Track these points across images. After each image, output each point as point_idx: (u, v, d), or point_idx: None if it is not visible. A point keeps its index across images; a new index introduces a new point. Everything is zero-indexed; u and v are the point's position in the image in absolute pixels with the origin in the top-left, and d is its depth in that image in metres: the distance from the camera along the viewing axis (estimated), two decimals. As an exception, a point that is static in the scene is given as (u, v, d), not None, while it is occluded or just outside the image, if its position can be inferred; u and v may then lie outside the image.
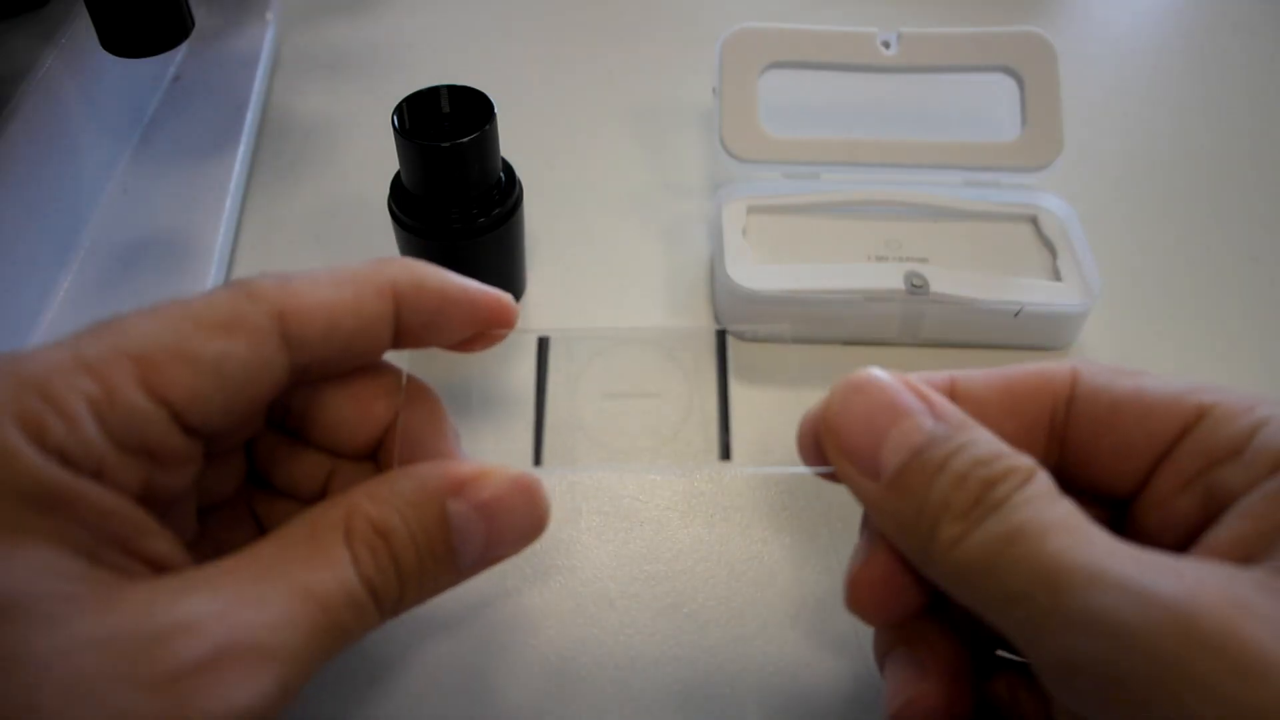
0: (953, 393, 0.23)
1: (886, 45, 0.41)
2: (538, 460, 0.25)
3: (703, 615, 0.30)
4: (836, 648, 0.30)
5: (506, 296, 0.25)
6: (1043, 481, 0.20)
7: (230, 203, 0.42)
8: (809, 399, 0.36)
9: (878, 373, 0.22)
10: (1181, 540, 0.21)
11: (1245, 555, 0.18)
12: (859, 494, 0.22)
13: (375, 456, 0.25)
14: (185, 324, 0.20)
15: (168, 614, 0.18)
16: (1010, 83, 0.41)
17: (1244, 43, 0.57)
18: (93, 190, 0.42)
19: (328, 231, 0.43)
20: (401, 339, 0.24)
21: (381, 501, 0.21)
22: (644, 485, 0.34)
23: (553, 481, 0.25)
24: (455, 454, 0.25)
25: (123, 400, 0.19)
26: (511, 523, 0.23)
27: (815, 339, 0.38)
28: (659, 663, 0.29)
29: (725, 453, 0.25)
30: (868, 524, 0.23)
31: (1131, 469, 0.22)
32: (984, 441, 0.20)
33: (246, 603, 0.19)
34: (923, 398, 0.22)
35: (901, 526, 0.21)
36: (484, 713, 0.28)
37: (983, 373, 0.24)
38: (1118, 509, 0.23)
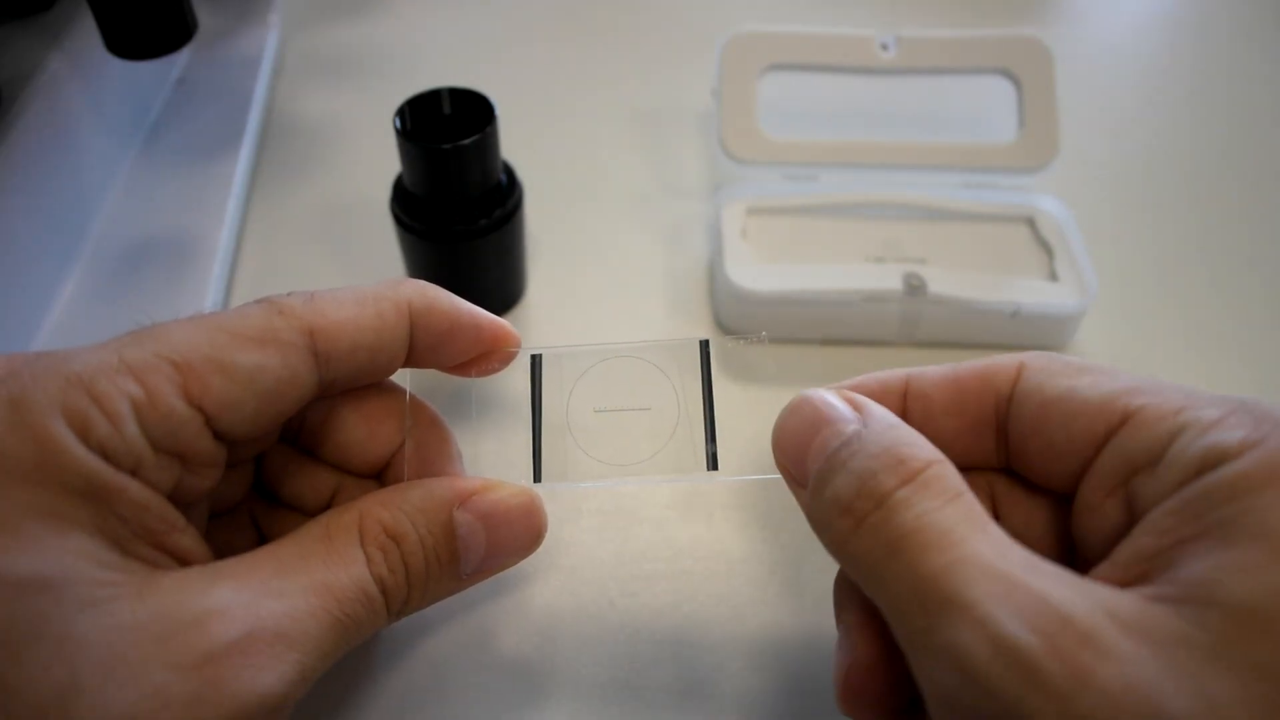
0: (906, 392, 0.24)
1: (885, 48, 0.41)
2: (537, 476, 0.26)
3: (702, 615, 0.30)
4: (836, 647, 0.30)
5: (509, 325, 0.26)
6: (939, 476, 0.19)
7: (233, 204, 0.42)
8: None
9: (813, 391, 0.23)
10: (1109, 549, 0.19)
11: (1140, 574, 0.18)
12: (800, 504, 0.22)
13: (380, 475, 0.27)
14: (222, 335, 0.21)
15: (198, 601, 0.19)
16: (1007, 85, 0.42)
17: (1240, 44, 0.57)
18: (97, 191, 0.42)
19: (330, 233, 0.43)
20: (410, 359, 0.25)
21: (394, 507, 0.23)
22: (644, 485, 0.34)
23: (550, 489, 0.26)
24: (459, 473, 0.26)
25: (162, 403, 0.20)
26: (511, 534, 0.25)
27: (814, 339, 0.38)
28: (659, 662, 0.29)
29: (713, 463, 0.26)
30: (842, 612, 0.23)
31: (1061, 471, 0.22)
32: (877, 437, 0.20)
33: (270, 595, 0.20)
34: (856, 405, 0.22)
35: (818, 531, 0.21)
36: (484, 712, 0.28)
37: (936, 369, 0.24)
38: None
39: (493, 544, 0.24)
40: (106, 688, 0.17)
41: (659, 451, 0.27)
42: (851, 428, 0.21)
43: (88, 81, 0.42)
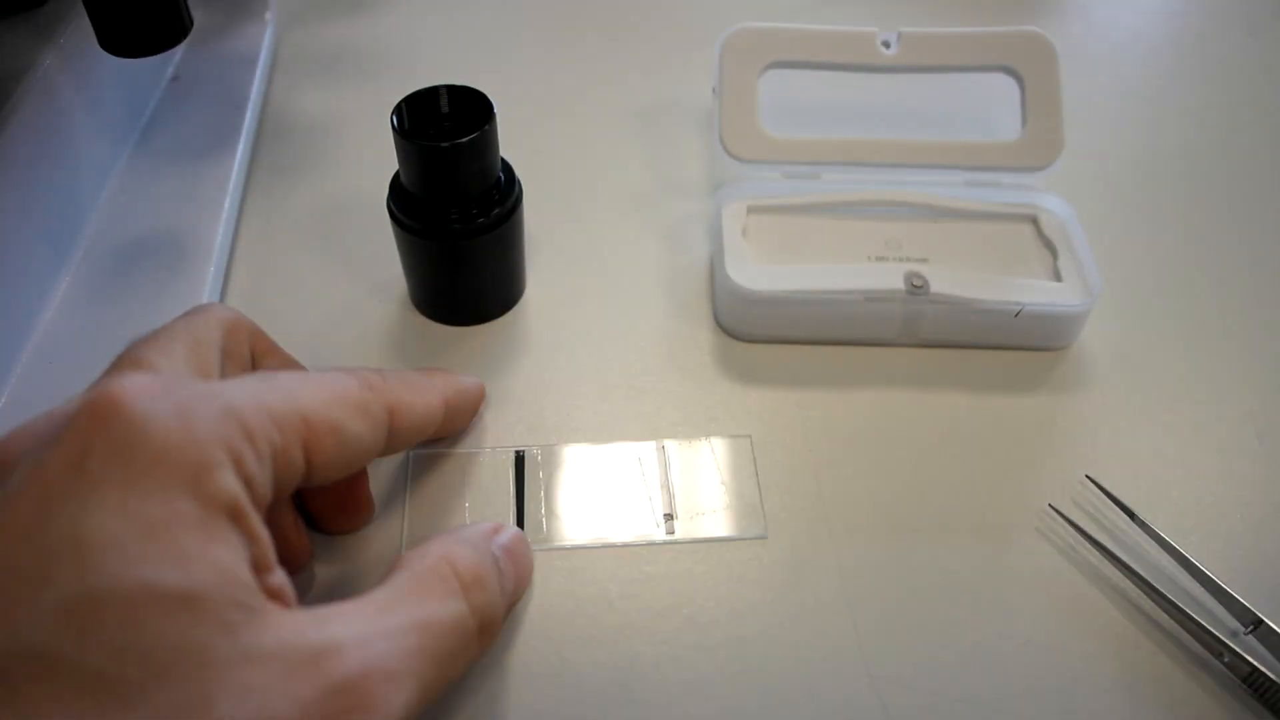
0: None
1: (886, 45, 0.41)
2: None
3: (703, 617, 0.30)
4: (837, 649, 0.29)
5: (483, 385, 0.34)
6: None
7: (229, 203, 0.42)
8: (809, 399, 0.36)
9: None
10: None
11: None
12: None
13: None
14: (335, 401, 0.24)
15: (318, 636, 0.20)
16: (1011, 83, 0.41)
17: (1244, 42, 0.56)
18: (91, 190, 0.42)
19: (326, 232, 0.43)
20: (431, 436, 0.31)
21: (470, 547, 0.26)
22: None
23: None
24: None
25: (291, 455, 0.23)
26: (523, 564, 0.29)
27: (814, 339, 0.38)
28: (659, 664, 0.29)
29: (670, 529, 0.32)
30: None
31: None
32: None
33: (378, 634, 0.21)
34: None
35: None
36: (484, 713, 0.28)
37: None
38: None
39: (517, 572, 0.28)
40: (237, 714, 0.18)
41: (625, 523, 0.32)
42: None
43: (81, 79, 0.42)
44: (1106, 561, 0.31)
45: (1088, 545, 0.32)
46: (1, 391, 0.34)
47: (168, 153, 0.44)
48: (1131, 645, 0.30)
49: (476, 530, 0.27)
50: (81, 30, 0.41)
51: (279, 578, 0.21)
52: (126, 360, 0.24)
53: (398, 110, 0.34)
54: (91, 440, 0.19)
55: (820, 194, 0.41)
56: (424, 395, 0.28)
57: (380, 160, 0.38)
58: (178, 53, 0.50)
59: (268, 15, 0.52)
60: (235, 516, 0.20)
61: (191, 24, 0.37)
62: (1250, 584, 0.30)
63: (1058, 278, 0.38)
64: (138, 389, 0.20)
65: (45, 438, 0.20)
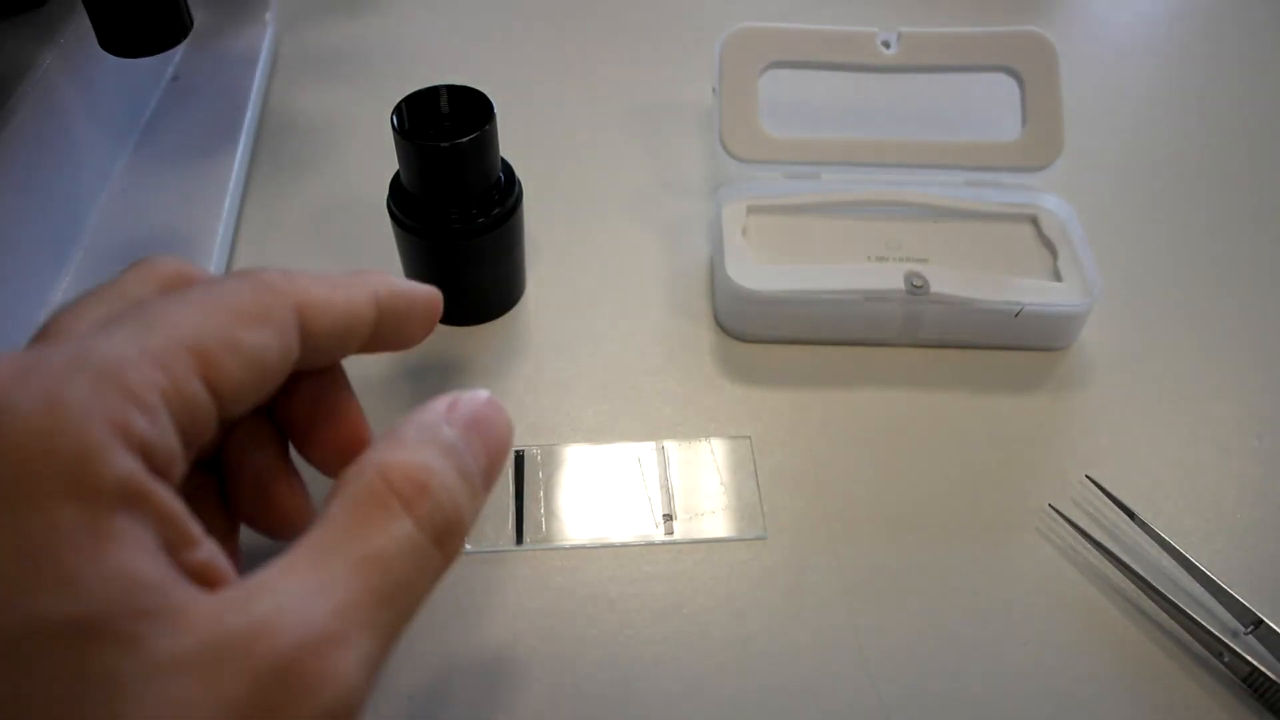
0: None
1: (886, 45, 0.41)
2: (519, 539, 0.32)
3: (703, 617, 0.30)
4: (838, 648, 0.29)
5: (437, 291, 0.27)
6: None
7: (229, 202, 0.42)
8: (809, 399, 0.36)
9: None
10: None
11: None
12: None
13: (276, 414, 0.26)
14: (224, 314, 0.20)
15: (244, 619, 0.17)
16: (1011, 82, 0.41)
17: (1244, 42, 0.56)
18: (91, 190, 0.42)
19: (326, 231, 0.43)
20: (370, 344, 0.25)
21: (407, 450, 0.21)
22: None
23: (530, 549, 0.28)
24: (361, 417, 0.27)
25: (188, 395, 0.19)
26: (494, 432, 0.23)
27: (815, 339, 0.38)
28: (659, 663, 0.29)
29: (670, 530, 0.32)
30: None
31: None
32: None
33: (313, 593, 0.18)
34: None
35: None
36: (484, 713, 0.28)
37: None
38: None
39: (488, 445, 0.23)
40: None
41: (625, 522, 0.32)
42: None
43: (82, 79, 0.42)
44: (1106, 561, 0.31)
45: (1088, 545, 0.32)
46: (1, 391, 0.34)
47: (168, 153, 0.44)
48: (1131, 645, 0.30)
49: (422, 418, 0.23)
50: (81, 30, 0.41)
51: (205, 551, 0.19)
52: (39, 333, 0.21)
53: (398, 110, 0.34)
54: None
55: (820, 194, 0.41)
56: (345, 291, 0.24)
57: (380, 160, 0.38)
58: (178, 53, 0.50)
59: (268, 15, 0.52)
60: (132, 501, 0.17)
61: (191, 24, 0.37)
62: (1250, 584, 0.30)
63: (1058, 278, 0.38)
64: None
65: None
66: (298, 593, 0.18)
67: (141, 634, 0.16)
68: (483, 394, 0.24)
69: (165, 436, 0.18)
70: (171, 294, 0.21)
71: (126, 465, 0.17)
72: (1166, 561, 0.32)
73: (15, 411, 0.16)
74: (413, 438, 0.22)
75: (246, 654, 0.17)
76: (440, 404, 0.23)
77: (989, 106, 0.44)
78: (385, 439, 0.22)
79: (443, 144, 0.32)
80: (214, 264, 0.39)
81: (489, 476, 0.23)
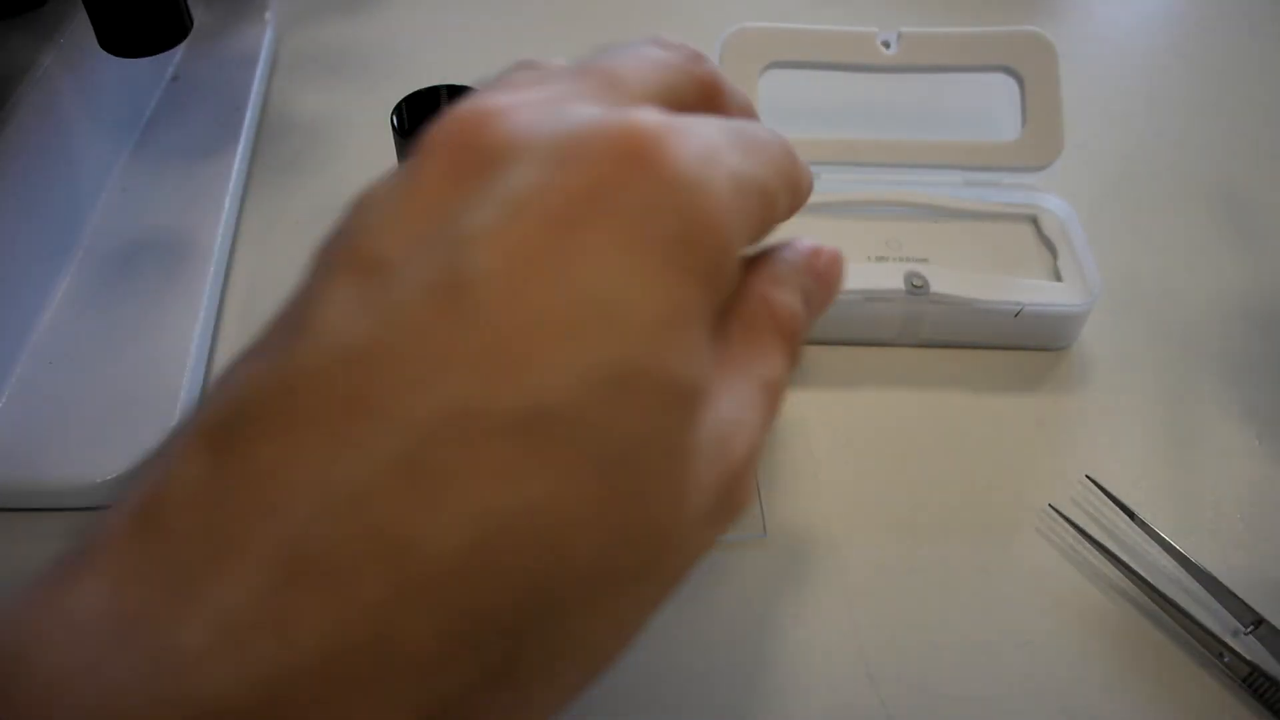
0: None
1: (886, 45, 0.41)
2: None
3: (703, 616, 0.30)
4: (838, 647, 0.29)
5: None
6: None
7: (229, 202, 0.42)
8: (809, 399, 0.36)
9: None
10: None
11: None
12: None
13: None
14: (783, 164, 0.23)
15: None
16: (1010, 82, 0.41)
17: (1244, 42, 0.56)
18: (91, 190, 0.42)
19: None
20: None
21: (786, 287, 0.22)
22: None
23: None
24: None
25: (760, 235, 0.21)
26: (831, 292, 0.24)
27: (815, 339, 0.38)
28: (658, 664, 0.29)
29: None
30: None
31: None
32: None
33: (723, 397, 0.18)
34: None
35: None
36: (483, 714, 0.28)
37: None
38: None
39: (824, 298, 0.23)
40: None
41: None
42: None
43: (81, 79, 0.42)
44: (1106, 561, 0.31)
45: (1088, 545, 0.32)
46: (1, 392, 0.34)
47: (168, 152, 0.44)
48: (1131, 645, 0.30)
49: (792, 258, 0.23)
50: (81, 30, 0.41)
51: None
52: (611, 88, 0.19)
53: (397, 110, 0.34)
54: (622, 189, 0.15)
55: (820, 194, 0.41)
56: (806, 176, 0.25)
57: (380, 160, 0.38)
58: (178, 53, 0.49)
59: (268, 15, 0.52)
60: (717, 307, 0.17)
61: (191, 24, 0.37)
62: (1250, 584, 0.30)
63: (1058, 278, 0.38)
64: (677, 140, 0.16)
65: (544, 150, 0.16)
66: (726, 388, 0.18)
67: (705, 421, 0.17)
68: (836, 251, 0.24)
69: (737, 266, 0.19)
70: (756, 131, 0.22)
71: (735, 275, 0.18)
72: (1166, 561, 0.32)
73: (702, 187, 0.16)
74: (785, 276, 0.22)
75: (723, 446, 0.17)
76: (804, 246, 0.24)
77: (989, 106, 0.44)
78: (766, 270, 0.22)
79: (443, 144, 0.32)
80: (213, 264, 0.39)
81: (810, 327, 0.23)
